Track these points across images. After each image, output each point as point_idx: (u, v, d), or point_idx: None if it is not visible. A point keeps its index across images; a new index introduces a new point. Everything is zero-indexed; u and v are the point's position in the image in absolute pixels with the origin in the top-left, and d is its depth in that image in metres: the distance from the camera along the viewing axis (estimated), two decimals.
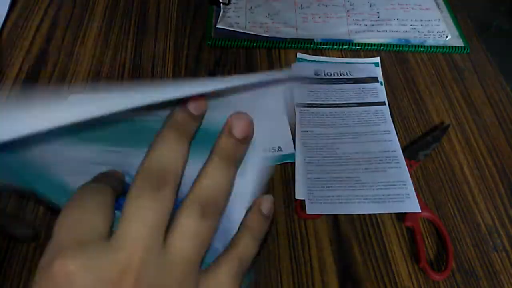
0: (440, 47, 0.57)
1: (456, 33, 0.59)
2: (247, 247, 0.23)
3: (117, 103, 0.19)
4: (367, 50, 0.56)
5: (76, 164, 0.25)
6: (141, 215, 0.20)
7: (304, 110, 0.48)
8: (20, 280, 0.35)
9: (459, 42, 0.58)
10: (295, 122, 0.47)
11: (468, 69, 0.56)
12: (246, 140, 0.24)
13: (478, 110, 0.51)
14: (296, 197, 0.41)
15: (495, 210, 0.43)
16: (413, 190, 0.41)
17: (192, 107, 0.23)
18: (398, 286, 0.37)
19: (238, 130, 0.23)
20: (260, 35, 0.55)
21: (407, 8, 0.61)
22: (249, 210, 0.24)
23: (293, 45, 0.55)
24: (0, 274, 0.35)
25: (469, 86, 0.54)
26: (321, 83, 0.51)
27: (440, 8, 0.62)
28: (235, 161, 0.23)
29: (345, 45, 0.56)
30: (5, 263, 0.36)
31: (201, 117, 0.24)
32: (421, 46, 0.57)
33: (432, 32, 0.58)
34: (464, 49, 0.57)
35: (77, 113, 0.19)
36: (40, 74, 0.49)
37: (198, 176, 0.22)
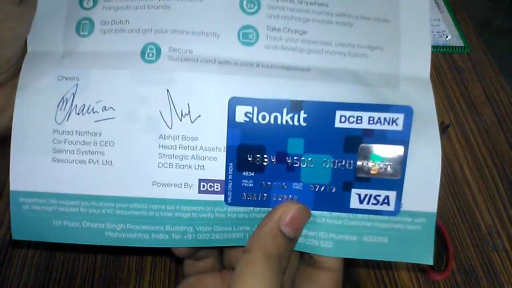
0: (440, 47, 0.57)
1: (456, 33, 0.59)
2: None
3: None
4: None
5: None
6: None
7: None
8: (20, 280, 0.35)
9: (459, 42, 0.58)
10: None
11: (468, 69, 0.56)
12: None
13: (478, 110, 0.51)
14: None
15: (495, 210, 0.43)
16: None
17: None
18: (398, 286, 0.37)
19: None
20: None
21: None
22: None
23: None
24: (0, 274, 0.35)
25: (469, 86, 0.54)
26: None
27: (440, 8, 0.62)
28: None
29: None
30: (5, 263, 0.36)
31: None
32: None
33: (432, 32, 0.58)
34: (464, 49, 0.57)
35: None
36: None
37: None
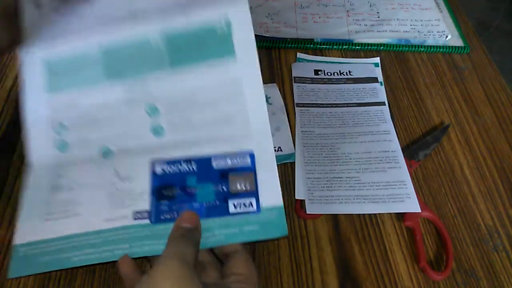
0: (440, 47, 0.57)
1: (456, 33, 0.59)
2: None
3: None
4: (367, 50, 0.56)
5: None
6: None
7: (304, 110, 0.48)
8: (20, 280, 0.35)
9: (459, 42, 0.58)
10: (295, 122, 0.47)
11: (468, 69, 0.56)
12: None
13: (478, 110, 0.51)
14: (296, 197, 0.41)
15: (495, 210, 0.43)
16: (413, 190, 0.41)
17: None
18: (398, 286, 0.37)
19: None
20: (260, 35, 0.55)
21: (407, 8, 0.61)
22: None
23: (293, 45, 0.55)
24: (0, 274, 0.35)
25: (469, 86, 0.54)
26: (321, 83, 0.51)
27: (440, 8, 0.62)
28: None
29: (345, 45, 0.56)
30: (5, 262, 0.36)
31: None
32: (421, 46, 0.57)
33: (432, 32, 0.58)
34: (464, 49, 0.57)
35: None
36: None
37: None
